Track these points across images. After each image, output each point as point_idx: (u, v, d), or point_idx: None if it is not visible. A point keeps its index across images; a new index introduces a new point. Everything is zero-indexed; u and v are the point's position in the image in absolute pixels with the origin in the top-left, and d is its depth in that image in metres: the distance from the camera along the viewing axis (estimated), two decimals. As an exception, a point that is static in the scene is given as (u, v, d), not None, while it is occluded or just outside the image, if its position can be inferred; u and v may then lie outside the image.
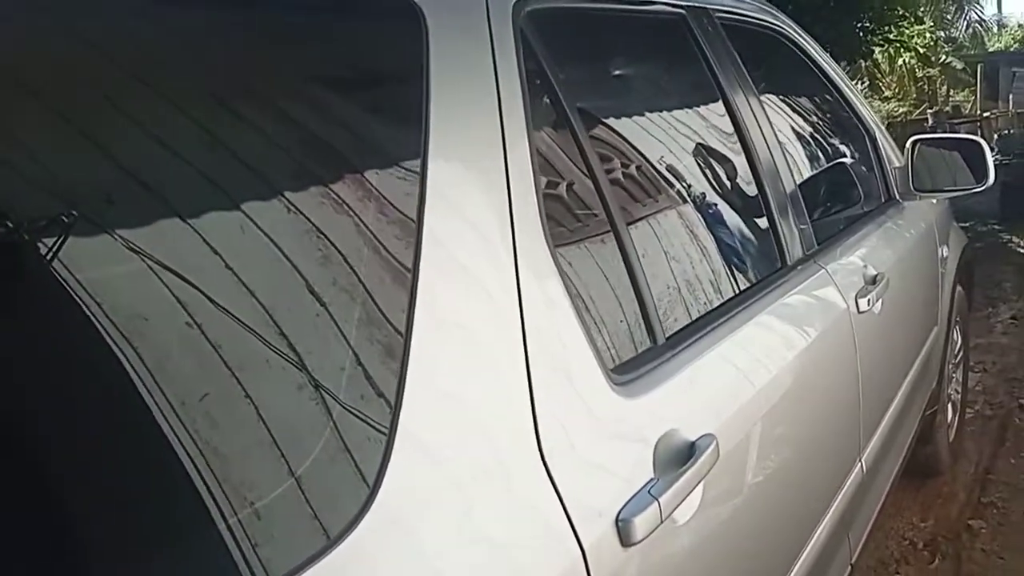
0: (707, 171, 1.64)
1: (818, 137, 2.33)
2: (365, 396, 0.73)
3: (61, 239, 0.60)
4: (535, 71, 1.09)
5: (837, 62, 2.62)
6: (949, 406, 2.89)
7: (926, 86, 18.35)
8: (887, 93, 17.31)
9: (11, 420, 0.57)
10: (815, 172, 2.08)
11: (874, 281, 1.86)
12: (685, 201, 1.51)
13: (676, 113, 1.61)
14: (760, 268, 1.61)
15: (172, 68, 0.74)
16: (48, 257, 0.59)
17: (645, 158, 1.41)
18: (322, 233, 0.75)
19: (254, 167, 0.76)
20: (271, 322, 0.68)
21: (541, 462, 0.86)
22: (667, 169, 1.48)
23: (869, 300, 1.77)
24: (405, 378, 0.75)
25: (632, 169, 1.37)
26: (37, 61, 0.65)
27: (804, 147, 2.15)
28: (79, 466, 0.59)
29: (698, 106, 1.67)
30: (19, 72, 0.63)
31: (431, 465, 0.76)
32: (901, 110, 16.46)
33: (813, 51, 2.29)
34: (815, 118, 2.39)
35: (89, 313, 0.60)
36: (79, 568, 0.58)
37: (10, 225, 0.60)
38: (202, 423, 0.62)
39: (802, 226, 1.73)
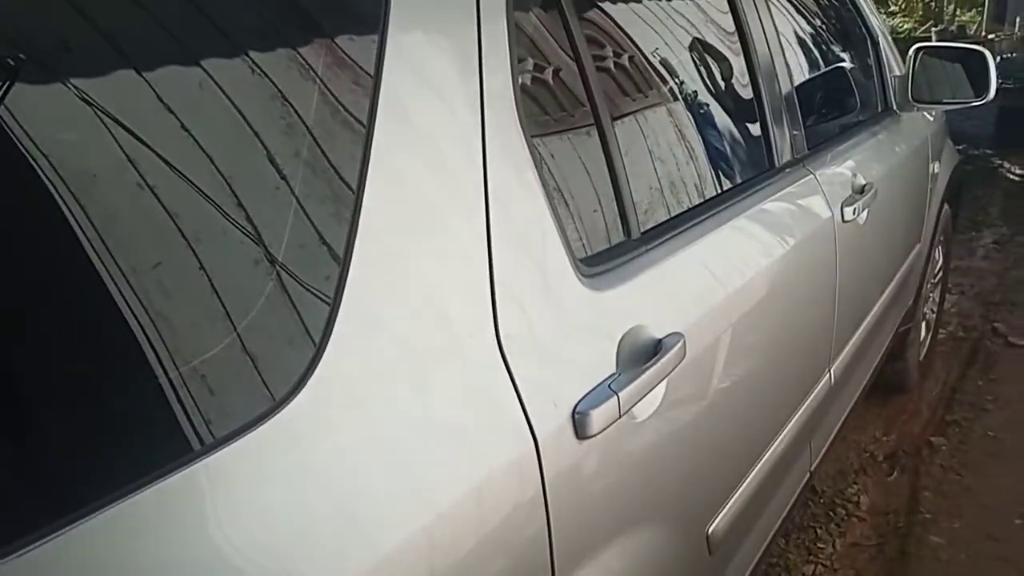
0: (700, 67, 1.56)
1: (819, 39, 2.23)
2: (310, 253, 0.69)
3: (6, 83, 0.56)
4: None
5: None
6: (923, 324, 2.90)
7: (932, 3, 17.88)
8: (893, 8, 16.86)
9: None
10: (813, 75, 2.00)
11: (862, 191, 1.82)
12: (674, 97, 1.44)
13: (672, 4, 1.52)
14: (747, 169, 1.56)
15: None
16: None
17: (636, 49, 1.34)
18: (275, 84, 0.70)
19: (213, 19, 0.71)
20: (218, 175, 0.65)
21: (497, 346, 0.83)
22: (658, 62, 1.41)
23: (855, 210, 1.72)
24: (355, 236, 0.71)
25: (621, 61, 1.30)
26: None
27: (804, 48, 2.06)
28: (29, 321, 0.57)
29: (696, -4, 1.57)
30: None
31: (379, 332, 0.73)
32: (906, 27, 16.06)
33: (822, -54, 2.18)
34: (817, 19, 2.29)
35: (36, 165, 0.57)
36: (30, 417, 0.56)
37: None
38: (150, 283, 0.60)
39: (794, 130, 1.67)
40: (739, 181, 1.49)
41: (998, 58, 10.96)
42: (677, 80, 1.47)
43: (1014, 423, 2.74)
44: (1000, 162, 6.95)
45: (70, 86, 0.60)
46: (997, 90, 2.27)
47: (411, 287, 0.77)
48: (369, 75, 0.76)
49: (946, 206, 2.84)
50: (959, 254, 4.25)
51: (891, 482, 2.47)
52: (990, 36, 14.36)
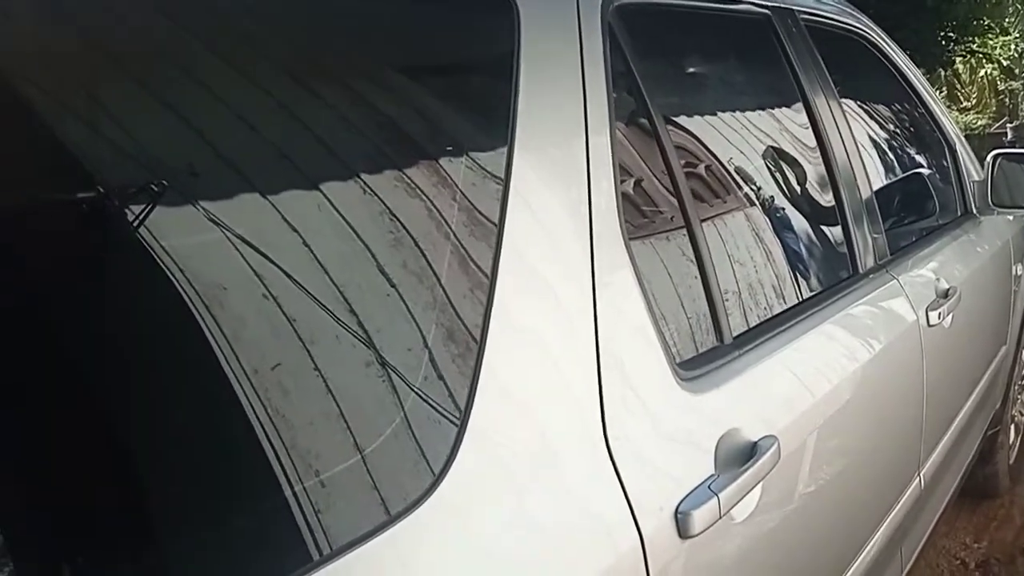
0: (783, 174, 1.63)
1: (897, 145, 2.29)
2: (438, 391, 0.74)
3: (149, 207, 0.63)
4: (620, 66, 1.11)
5: (917, 70, 2.56)
6: (1012, 427, 2.83)
7: (1007, 99, 17.77)
8: (966, 104, 16.82)
9: (91, 379, 0.60)
10: (892, 181, 2.05)
11: (946, 295, 1.83)
12: (760, 202, 1.50)
13: (756, 114, 1.61)
14: (831, 274, 1.60)
15: (265, 49, 0.76)
16: (135, 223, 0.62)
17: (723, 158, 1.42)
18: (406, 229, 0.76)
19: (339, 153, 0.78)
20: (356, 317, 0.71)
21: (607, 453, 0.88)
22: (744, 170, 1.48)
23: (940, 314, 1.74)
24: (478, 378, 0.76)
25: (710, 168, 1.37)
26: (132, 36, 0.68)
27: (882, 154, 2.11)
28: (154, 429, 0.61)
29: (778, 108, 1.66)
30: (112, 45, 0.67)
31: (503, 446, 0.79)
32: (980, 122, 15.97)
33: (896, 57, 2.25)
34: (895, 125, 2.35)
35: (172, 279, 0.62)
36: (151, 533, 0.60)
37: (101, 191, 0.63)
38: (275, 395, 0.64)
39: (875, 235, 1.71)
40: (824, 286, 1.53)
41: (1078, 153, 10.80)
42: (761, 188, 1.54)
43: (1113, 533, 2.62)
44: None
45: (200, 208, 0.65)
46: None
47: (531, 399, 0.83)
48: (494, 223, 0.83)
49: (1031, 307, 2.81)
50: (1047, 354, 4.13)
51: (985, 592, 2.39)
52: (1067, 131, 14.13)
